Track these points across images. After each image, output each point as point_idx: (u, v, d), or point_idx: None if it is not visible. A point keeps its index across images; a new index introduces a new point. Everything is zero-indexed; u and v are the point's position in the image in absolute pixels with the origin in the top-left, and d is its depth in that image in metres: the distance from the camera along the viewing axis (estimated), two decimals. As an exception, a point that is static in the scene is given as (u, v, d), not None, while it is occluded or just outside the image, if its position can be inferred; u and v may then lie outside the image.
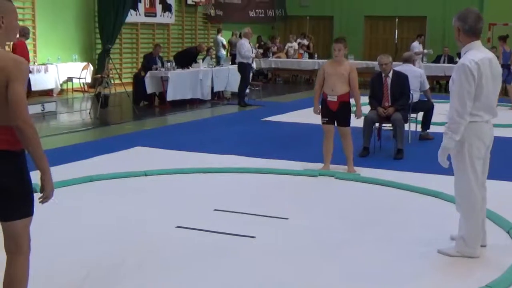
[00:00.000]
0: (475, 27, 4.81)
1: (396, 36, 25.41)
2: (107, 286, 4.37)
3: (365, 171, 7.88)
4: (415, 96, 10.03)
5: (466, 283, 4.47)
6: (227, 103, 16.01)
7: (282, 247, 5.21)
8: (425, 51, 19.57)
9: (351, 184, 7.35)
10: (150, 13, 20.17)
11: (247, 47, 15.13)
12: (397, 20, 25.18)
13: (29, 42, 16.52)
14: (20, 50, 11.68)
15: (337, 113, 7.70)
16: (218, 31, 21.68)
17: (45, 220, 5.53)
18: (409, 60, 10.62)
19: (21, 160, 3.38)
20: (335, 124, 7.80)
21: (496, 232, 5.55)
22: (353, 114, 7.87)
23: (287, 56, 22.41)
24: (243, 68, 15.22)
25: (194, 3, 22.17)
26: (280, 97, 17.41)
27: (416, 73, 10.22)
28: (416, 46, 19.12)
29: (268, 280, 4.51)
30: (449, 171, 7.84)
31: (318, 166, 7.96)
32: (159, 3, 20.42)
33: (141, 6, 19.60)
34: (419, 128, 10.47)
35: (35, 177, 3.44)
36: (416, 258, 4.97)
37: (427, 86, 10.50)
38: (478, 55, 4.76)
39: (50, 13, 16.88)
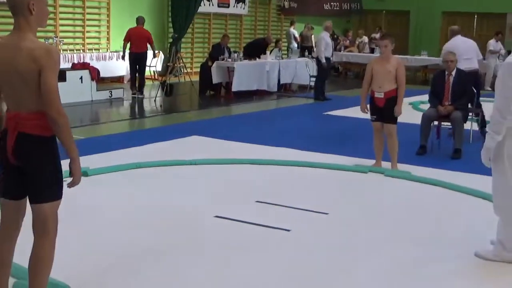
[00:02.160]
0: None
1: (474, 33, 24.70)
2: (136, 270, 4.45)
3: (420, 170, 7.71)
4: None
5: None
6: (293, 95, 15.97)
7: (313, 242, 5.18)
8: (502, 51, 18.87)
9: (400, 182, 7.21)
10: (224, 3, 20.31)
11: (326, 41, 14.72)
12: (475, 16, 24.49)
13: (103, 30, 17.04)
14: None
15: (383, 109, 7.55)
16: (291, 24, 21.62)
17: (86, 204, 5.75)
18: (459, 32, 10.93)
19: (52, 145, 3.46)
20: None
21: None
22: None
23: (359, 51, 22.16)
24: (321, 62, 14.77)
25: (268, -5, 22.21)
26: (348, 91, 17.22)
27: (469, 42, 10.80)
28: (492, 44, 18.53)
29: (291, 274, 4.49)
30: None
31: (371, 162, 7.85)
32: (233, -6, 20.56)
33: (214, -3, 19.77)
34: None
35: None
36: (450, 259, 4.84)
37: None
38: None
39: (125, 1, 17.24)
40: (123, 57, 14.94)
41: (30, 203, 3.52)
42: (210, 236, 5.21)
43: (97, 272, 4.37)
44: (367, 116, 7.82)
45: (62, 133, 3.39)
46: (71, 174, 3.51)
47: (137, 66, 14.30)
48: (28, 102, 3.40)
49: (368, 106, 7.75)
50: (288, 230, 5.39)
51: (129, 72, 15.55)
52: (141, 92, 14.24)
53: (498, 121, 4.60)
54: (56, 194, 3.51)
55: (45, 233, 3.51)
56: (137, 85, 14.23)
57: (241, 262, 4.68)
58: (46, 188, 3.46)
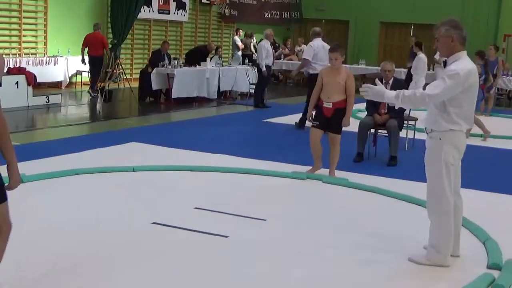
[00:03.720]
0: (466, 36, 4.88)
1: (410, 44, 25.22)
2: (71, 278, 4.38)
3: (356, 177, 7.84)
4: None
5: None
6: (233, 102, 16.01)
7: (251, 248, 5.20)
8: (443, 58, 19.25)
9: (338, 189, 7.32)
10: (164, 10, 20.20)
11: (267, 49, 14.74)
12: (412, 27, 25.03)
13: (40, 34, 16.73)
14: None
15: (331, 120, 7.67)
16: (237, 32, 21.69)
17: (23, 210, 5.63)
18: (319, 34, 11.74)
19: None
20: (325, 131, 7.79)
21: (472, 242, 5.51)
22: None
23: (299, 59, 22.37)
24: (262, 70, 14.79)
25: (208, 2, 22.18)
26: (288, 99, 17.37)
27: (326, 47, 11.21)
28: (437, 54, 18.97)
29: (229, 280, 4.50)
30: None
31: (309, 169, 7.93)
32: (173, 1, 20.46)
33: (155, 3, 19.63)
34: (417, 135, 10.42)
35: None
36: (385, 263, 4.94)
37: None
38: (469, 65, 4.82)
39: (63, 5, 16.97)
40: (82, 61, 15.63)
41: None
42: (147, 242, 5.17)
43: (32, 279, 4.29)
44: (307, 123, 7.93)
45: (1, 137, 3.39)
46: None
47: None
48: None
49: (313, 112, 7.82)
50: (226, 237, 5.40)
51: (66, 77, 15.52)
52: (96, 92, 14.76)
53: (417, 100, 4.82)
54: (2, 197, 3.52)
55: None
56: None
57: (177, 269, 4.66)
58: None
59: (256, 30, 21.79)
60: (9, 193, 3.53)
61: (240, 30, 21.82)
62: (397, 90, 4.97)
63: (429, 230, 5.03)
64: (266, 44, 14.84)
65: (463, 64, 4.77)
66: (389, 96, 4.97)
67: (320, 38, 11.83)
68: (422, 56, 14.72)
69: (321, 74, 7.80)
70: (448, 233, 4.92)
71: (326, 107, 7.66)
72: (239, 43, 20.97)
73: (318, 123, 7.75)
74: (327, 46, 10.90)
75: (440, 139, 4.83)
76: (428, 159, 4.94)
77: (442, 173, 4.85)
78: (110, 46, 16.02)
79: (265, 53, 14.66)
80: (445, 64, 5.10)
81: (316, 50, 11.60)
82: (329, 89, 7.61)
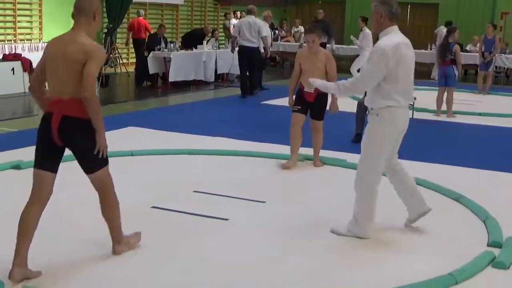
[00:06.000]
0: (397, 11, 4.91)
1: (408, 23, 25.16)
2: (75, 261, 4.40)
3: (354, 157, 7.72)
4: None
5: (429, 270, 4.40)
6: (230, 85, 15.96)
7: (251, 230, 5.20)
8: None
9: (336, 170, 7.31)
10: (159, -7, 20.15)
11: (266, 31, 14.39)
12: (409, 6, 24.93)
13: (35, 20, 16.64)
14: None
15: (313, 105, 7.24)
16: (234, 14, 21.56)
17: (20, 198, 5.63)
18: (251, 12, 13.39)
19: (91, 125, 4.08)
20: (308, 116, 7.40)
21: (472, 221, 5.52)
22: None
23: (296, 40, 22.27)
24: (258, 53, 14.23)
25: (204, -16, 22.09)
26: (286, 81, 17.27)
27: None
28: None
29: (230, 262, 4.51)
30: (436, 160, 7.85)
31: (308, 150, 7.90)
32: (169, -17, 20.41)
33: (150, -14, 19.58)
34: (416, 115, 10.43)
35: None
36: (384, 243, 4.96)
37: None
38: (396, 39, 4.85)
39: (57, -10, 16.89)
40: (126, 43, 18.17)
41: (86, 174, 4.28)
42: (147, 226, 5.16)
43: (39, 263, 4.29)
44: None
45: (93, 111, 4.03)
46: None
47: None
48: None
49: (294, 97, 7.41)
50: (226, 219, 5.40)
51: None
52: None
53: (352, 88, 4.99)
54: (103, 162, 4.25)
55: (106, 191, 4.34)
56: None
57: (178, 252, 4.66)
58: (95, 159, 4.18)
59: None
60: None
61: (238, 12, 21.67)
62: (337, 82, 5.07)
63: (354, 201, 5.08)
64: (263, 27, 14.71)
65: (390, 40, 4.82)
66: (331, 88, 5.15)
67: (253, 16, 13.63)
68: (367, 31, 14.77)
69: (298, 59, 7.34)
70: (370, 207, 5.00)
71: (307, 92, 7.18)
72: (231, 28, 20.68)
73: (299, 107, 7.28)
74: (258, 22, 13.39)
75: (377, 115, 4.87)
76: (365, 135, 5.01)
77: (376, 149, 4.90)
78: (105, 31, 15.95)
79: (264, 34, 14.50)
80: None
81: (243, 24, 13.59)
82: (309, 73, 6.92)
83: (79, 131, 4.10)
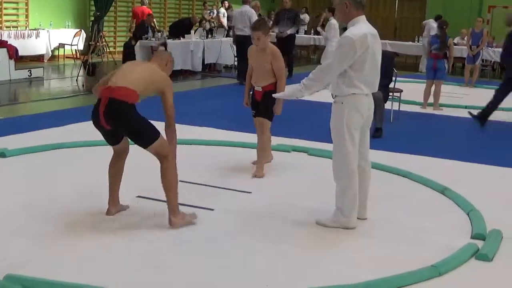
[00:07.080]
0: (363, 0, 4.91)
1: (396, 15, 25.22)
2: (59, 253, 4.37)
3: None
4: None
5: (412, 262, 4.42)
6: (218, 75, 15.93)
7: (237, 220, 5.21)
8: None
9: (323, 161, 7.29)
10: (147, -19, 19.99)
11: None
12: (398, -3, 25.00)
13: (21, 7, 16.51)
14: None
15: (260, 103, 6.73)
16: (222, 4, 21.44)
17: (4, 185, 5.62)
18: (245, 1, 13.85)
19: (134, 108, 4.94)
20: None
21: (456, 213, 5.55)
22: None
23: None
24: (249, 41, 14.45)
25: (192, -26, 21.97)
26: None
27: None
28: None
29: (215, 253, 4.51)
30: (421, 152, 7.88)
31: (294, 141, 7.92)
32: (157, -28, 20.29)
33: (138, -26, 19.43)
34: (402, 107, 10.47)
35: None
36: (370, 233, 4.98)
37: None
38: (364, 29, 4.86)
39: (44, -23, 16.79)
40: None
41: (144, 148, 4.91)
42: (132, 216, 5.16)
43: (27, 253, 4.27)
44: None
45: (172, 132, 5.36)
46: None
47: None
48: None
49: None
50: (212, 210, 5.40)
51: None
52: None
53: (314, 82, 4.94)
54: (154, 135, 4.92)
55: (165, 160, 4.92)
56: None
57: (163, 241, 4.66)
58: (144, 135, 4.90)
59: (240, 2, 21.54)
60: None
61: (226, 2, 21.56)
62: (302, 81, 5.02)
63: (335, 193, 5.11)
64: (253, 16, 14.69)
65: (357, 30, 4.84)
66: (297, 90, 5.06)
67: (247, 6, 14.17)
68: (334, 22, 14.78)
69: (248, 54, 6.84)
70: (352, 196, 5.03)
71: (256, 91, 6.77)
72: (223, 19, 20.55)
73: (255, 112, 6.87)
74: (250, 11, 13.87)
75: (342, 103, 4.89)
76: (332, 124, 5.02)
77: (345, 137, 4.92)
78: (93, 18, 15.87)
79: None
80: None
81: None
82: (256, 72, 6.64)
83: (125, 115, 4.90)
